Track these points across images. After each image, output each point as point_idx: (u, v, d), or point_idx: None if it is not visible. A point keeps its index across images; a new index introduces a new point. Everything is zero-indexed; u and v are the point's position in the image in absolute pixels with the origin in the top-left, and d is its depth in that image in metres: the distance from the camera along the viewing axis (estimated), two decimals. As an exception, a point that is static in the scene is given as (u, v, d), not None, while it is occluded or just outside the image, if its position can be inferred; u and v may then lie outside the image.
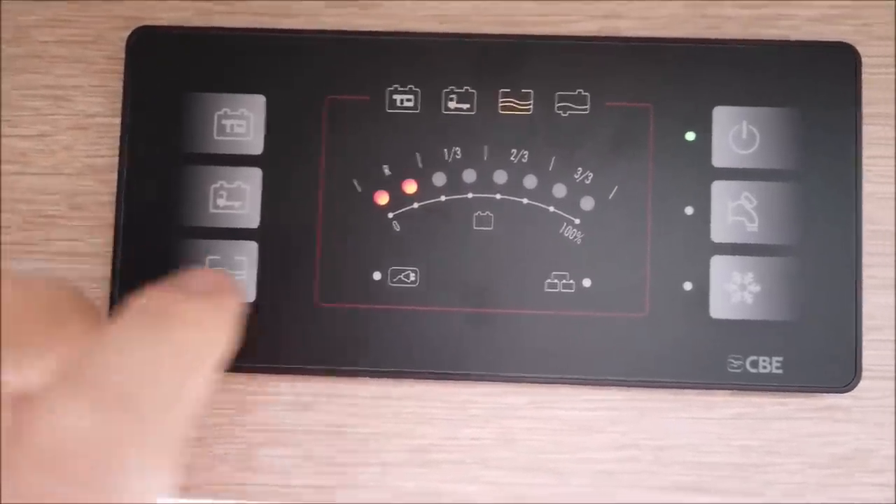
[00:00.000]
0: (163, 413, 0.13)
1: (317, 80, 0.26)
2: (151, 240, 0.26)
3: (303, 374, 0.26)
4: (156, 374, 0.14)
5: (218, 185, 0.26)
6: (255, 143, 0.26)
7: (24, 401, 0.13)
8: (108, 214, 0.27)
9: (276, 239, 0.26)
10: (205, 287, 0.17)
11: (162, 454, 0.13)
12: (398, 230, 0.26)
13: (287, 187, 0.26)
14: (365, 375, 0.26)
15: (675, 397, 0.26)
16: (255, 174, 0.26)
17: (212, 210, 0.26)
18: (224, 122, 0.26)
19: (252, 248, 0.26)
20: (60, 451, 0.12)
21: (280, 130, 0.26)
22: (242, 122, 0.26)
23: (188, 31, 0.26)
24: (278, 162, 0.26)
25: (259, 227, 0.26)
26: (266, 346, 0.25)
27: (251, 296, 0.25)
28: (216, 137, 0.26)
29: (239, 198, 0.26)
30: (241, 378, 0.26)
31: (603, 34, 0.27)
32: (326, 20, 0.27)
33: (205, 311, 0.16)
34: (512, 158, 0.26)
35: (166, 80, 0.26)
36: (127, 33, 0.26)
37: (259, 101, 0.26)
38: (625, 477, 0.26)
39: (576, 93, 0.26)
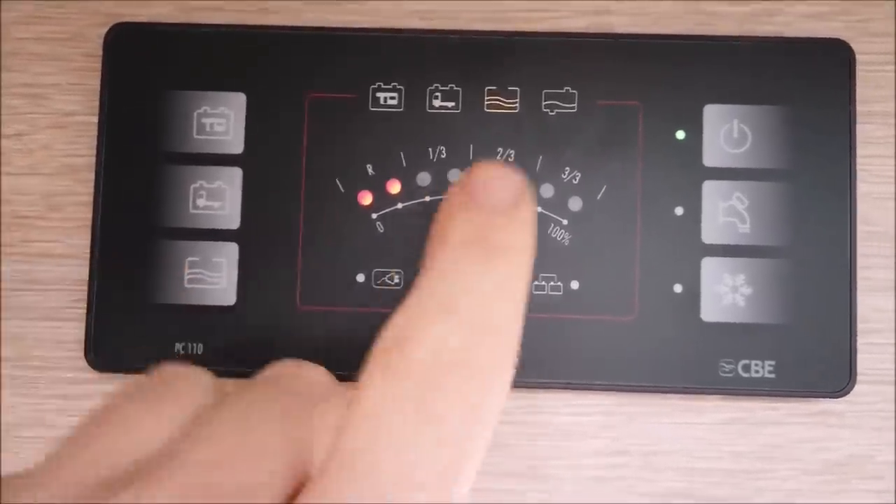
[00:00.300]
0: (514, 326, 0.16)
1: (298, 78, 0.25)
2: (130, 241, 0.25)
3: (284, 378, 0.25)
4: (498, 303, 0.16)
5: (197, 184, 0.25)
6: (235, 142, 0.25)
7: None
8: (87, 215, 0.26)
9: (256, 240, 0.25)
10: (512, 197, 0.18)
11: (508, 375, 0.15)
12: (382, 231, 0.25)
13: (268, 187, 0.25)
14: (347, 380, 0.25)
15: (665, 402, 0.26)
16: (236, 174, 0.25)
17: (191, 210, 0.25)
18: (204, 120, 0.25)
19: (232, 249, 0.25)
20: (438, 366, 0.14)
21: (261, 129, 0.25)
22: (222, 120, 0.25)
23: (167, 27, 0.26)
24: (259, 161, 0.25)
25: (239, 227, 0.25)
26: (246, 350, 0.25)
27: (230, 298, 0.25)
28: (196, 136, 0.25)
29: (219, 198, 0.25)
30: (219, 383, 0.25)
31: (592, 31, 0.26)
32: (309, 16, 0.26)
33: (526, 232, 0.17)
34: (498, 158, 0.25)
35: (145, 77, 0.25)
36: (105, 30, 0.26)
37: (239, 99, 0.25)
38: (615, 483, 0.26)
39: (563, 91, 0.25)
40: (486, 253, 0.16)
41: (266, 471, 0.14)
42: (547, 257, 0.25)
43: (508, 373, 0.15)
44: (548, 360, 0.25)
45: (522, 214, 0.17)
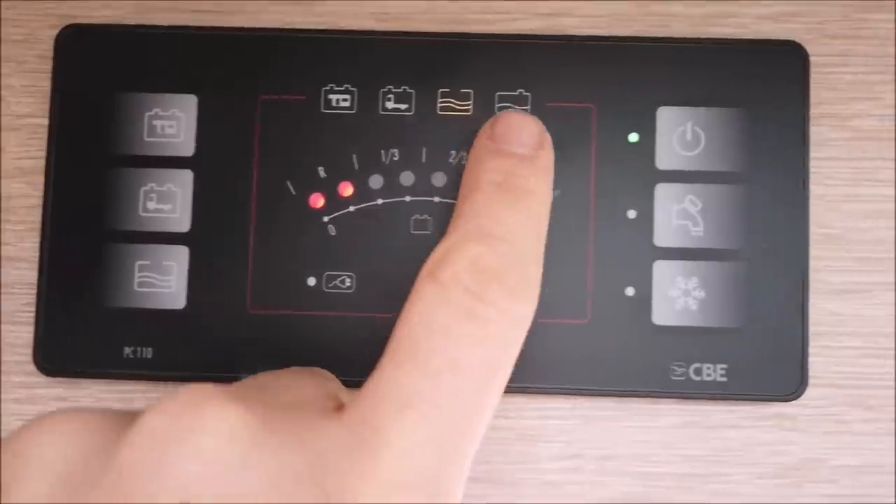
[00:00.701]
0: (538, 254, 0.19)
1: (250, 80, 0.25)
2: (80, 244, 0.25)
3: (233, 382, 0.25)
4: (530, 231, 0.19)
5: (148, 187, 0.25)
6: (186, 144, 0.25)
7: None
8: (39, 218, 0.26)
9: (207, 243, 0.25)
10: (534, 144, 0.21)
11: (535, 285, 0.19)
12: (334, 234, 0.25)
13: (219, 190, 0.25)
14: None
15: (620, 405, 0.26)
16: (187, 176, 0.25)
17: (141, 213, 0.25)
18: (155, 122, 0.25)
19: (183, 252, 0.25)
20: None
21: (212, 131, 0.25)
22: (173, 122, 0.25)
23: (118, 29, 0.25)
24: (210, 164, 0.25)
25: (190, 230, 0.25)
26: (196, 353, 0.25)
27: (181, 302, 0.25)
28: (146, 139, 0.25)
29: (169, 201, 0.25)
30: (169, 387, 0.25)
31: (545, 33, 0.26)
32: (263, 18, 0.26)
33: (545, 178, 0.21)
34: (451, 160, 0.25)
35: (96, 79, 0.25)
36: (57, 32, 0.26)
37: (191, 101, 0.25)
38: (569, 488, 0.26)
39: (517, 93, 0.25)
40: (513, 195, 0.19)
41: (314, 396, 0.18)
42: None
43: (535, 291, 0.18)
44: (501, 364, 0.25)
45: (542, 162, 0.21)
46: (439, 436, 0.16)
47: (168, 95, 0.25)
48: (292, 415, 0.17)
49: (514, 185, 0.20)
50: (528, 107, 0.25)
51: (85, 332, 0.25)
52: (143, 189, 0.25)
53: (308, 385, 0.19)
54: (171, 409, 0.15)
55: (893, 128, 0.26)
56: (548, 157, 0.21)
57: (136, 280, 0.25)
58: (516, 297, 0.18)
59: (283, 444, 0.15)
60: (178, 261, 0.25)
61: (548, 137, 0.21)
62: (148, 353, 0.25)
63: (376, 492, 0.15)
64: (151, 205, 0.25)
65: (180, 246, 0.25)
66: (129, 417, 0.16)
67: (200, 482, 0.14)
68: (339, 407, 0.17)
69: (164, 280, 0.25)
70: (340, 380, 0.25)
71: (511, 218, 0.19)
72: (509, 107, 0.25)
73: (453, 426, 0.16)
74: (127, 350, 0.25)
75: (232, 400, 0.16)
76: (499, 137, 0.21)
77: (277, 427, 0.16)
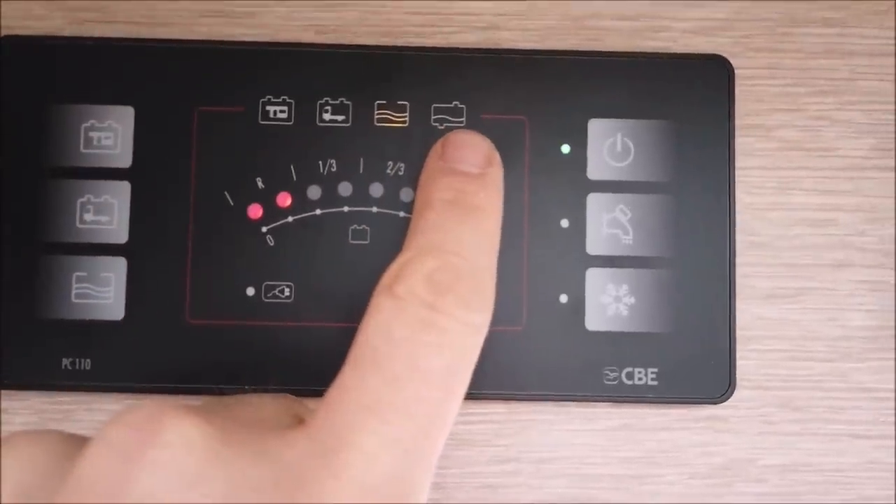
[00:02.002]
0: (490, 267, 0.21)
1: (187, 91, 0.25)
2: (16, 256, 0.25)
3: (174, 392, 0.25)
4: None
5: (85, 199, 0.25)
6: (123, 155, 0.25)
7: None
8: (-25, 229, 0.26)
9: (145, 254, 0.25)
10: (482, 162, 0.22)
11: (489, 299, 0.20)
12: (272, 244, 0.25)
13: (157, 201, 0.25)
14: (239, 394, 0.25)
15: (557, 409, 0.26)
16: (124, 188, 0.25)
17: (78, 225, 0.25)
18: (91, 134, 0.25)
19: (120, 263, 0.25)
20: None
21: (149, 143, 0.25)
22: (110, 134, 0.25)
23: (54, 40, 0.26)
24: (147, 175, 0.25)
25: (127, 242, 0.25)
26: (135, 365, 0.25)
27: (119, 313, 0.25)
28: (83, 150, 0.25)
29: (106, 212, 0.25)
30: (108, 398, 0.25)
31: (480, 46, 0.26)
32: (202, 30, 0.26)
33: (494, 194, 0.22)
34: (388, 171, 0.25)
35: (31, 90, 0.25)
36: (-7, 42, 0.26)
37: (127, 112, 0.25)
38: (506, 490, 0.26)
39: (452, 105, 0.26)
40: (464, 211, 0.20)
41: (275, 413, 0.19)
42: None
43: (489, 300, 0.20)
44: (439, 371, 0.25)
45: (491, 179, 0.21)
46: (404, 440, 0.17)
47: (104, 107, 0.25)
48: (253, 428, 0.17)
49: (464, 201, 0.20)
50: (463, 118, 0.26)
51: (23, 344, 0.25)
52: (80, 201, 0.25)
53: (270, 405, 0.20)
54: (130, 421, 0.15)
55: (817, 138, 0.27)
56: (497, 173, 0.22)
57: (74, 292, 0.25)
58: (471, 307, 0.18)
59: (243, 455, 0.16)
60: (115, 272, 0.25)
61: (496, 155, 0.22)
62: (87, 364, 0.25)
63: (344, 495, 0.16)
64: (88, 216, 0.25)
65: (118, 257, 0.25)
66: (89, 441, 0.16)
67: (158, 494, 0.15)
68: (302, 422, 0.18)
69: (102, 291, 0.25)
70: (281, 389, 0.25)
71: (463, 233, 0.20)
72: (445, 119, 0.26)
73: (417, 430, 0.17)
74: (65, 362, 0.25)
75: (190, 412, 0.16)
76: (449, 157, 0.22)
77: (236, 439, 0.16)
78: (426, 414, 0.17)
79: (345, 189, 0.25)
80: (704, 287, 0.25)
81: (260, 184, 0.25)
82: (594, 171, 0.26)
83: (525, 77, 0.26)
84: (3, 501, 0.15)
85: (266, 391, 0.24)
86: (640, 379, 0.25)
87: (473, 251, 0.19)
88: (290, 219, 0.25)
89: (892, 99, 0.27)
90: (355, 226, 0.25)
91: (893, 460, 0.26)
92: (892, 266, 0.27)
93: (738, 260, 0.26)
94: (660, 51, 0.27)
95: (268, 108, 0.25)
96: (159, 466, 0.15)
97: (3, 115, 0.25)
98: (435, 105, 0.26)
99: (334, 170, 0.25)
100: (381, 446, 0.16)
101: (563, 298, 0.25)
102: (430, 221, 0.20)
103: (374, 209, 0.25)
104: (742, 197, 0.26)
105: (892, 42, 0.27)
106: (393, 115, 0.26)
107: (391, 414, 0.17)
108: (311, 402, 0.25)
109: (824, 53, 0.27)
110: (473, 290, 0.19)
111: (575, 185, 0.25)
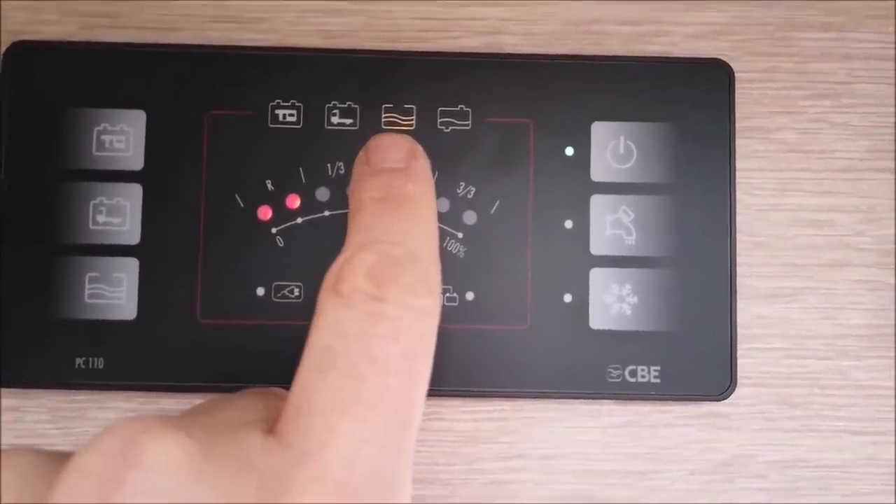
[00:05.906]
0: (430, 252, 0.20)
1: (198, 95, 0.26)
2: (30, 257, 0.25)
3: (185, 391, 0.25)
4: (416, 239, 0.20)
5: (97, 201, 0.26)
6: (135, 158, 0.26)
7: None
8: (-11, 231, 0.26)
9: (157, 255, 0.25)
10: (405, 156, 0.22)
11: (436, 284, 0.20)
12: (282, 245, 0.26)
13: (168, 203, 0.26)
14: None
15: (561, 407, 0.27)
16: (136, 190, 0.26)
17: (91, 227, 0.25)
18: (103, 137, 0.26)
19: (133, 264, 0.25)
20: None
21: (160, 146, 0.26)
22: (122, 137, 0.26)
23: (67, 45, 0.26)
24: (159, 177, 0.26)
25: (140, 243, 0.25)
26: (147, 364, 0.25)
27: (131, 313, 0.25)
28: (95, 153, 0.26)
29: (119, 214, 0.26)
30: (121, 396, 0.26)
31: (485, 51, 0.27)
32: (212, 35, 0.27)
33: (423, 183, 0.21)
34: (395, 173, 0.26)
35: (44, 95, 0.26)
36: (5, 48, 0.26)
37: (139, 116, 0.26)
38: (512, 486, 0.27)
39: (458, 108, 0.26)
40: (394, 203, 0.20)
41: (254, 411, 0.18)
42: (443, 269, 0.26)
43: (435, 285, 0.19)
44: (446, 369, 0.26)
45: (417, 170, 0.21)
46: (377, 434, 0.17)
47: (116, 111, 0.26)
48: (234, 433, 0.17)
49: (393, 194, 0.20)
50: (468, 122, 0.26)
51: (37, 343, 0.25)
52: (92, 203, 0.26)
53: (251, 404, 0.19)
54: (105, 448, 0.15)
55: (816, 140, 0.27)
56: (423, 165, 0.22)
57: (87, 292, 0.25)
58: (417, 292, 0.18)
59: (226, 466, 0.16)
60: (128, 273, 0.25)
61: (419, 148, 0.22)
62: (100, 363, 0.25)
63: (327, 499, 0.16)
64: (101, 218, 0.26)
65: (130, 258, 0.25)
66: (66, 459, 0.15)
67: None
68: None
69: (115, 292, 0.25)
70: (287, 388, 0.25)
71: (396, 224, 0.20)
72: (451, 122, 0.26)
73: (388, 422, 0.17)
74: (79, 361, 0.25)
75: (169, 427, 0.15)
76: (373, 160, 0.22)
77: (218, 450, 0.16)
78: (394, 404, 0.17)
79: (353, 191, 0.26)
80: (705, 286, 0.26)
81: (269, 186, 0.26)
82: (597, 173, 0.26)
83: (529, 81, 0.26)
84: None
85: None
86: (643, 377, 0.26)
87: (410, 239, 0.19)
88: (299, 220, 0.26)
89: (889, 101, 0.27)
90: (363, 227, 0.26)
91: (892, 456, 0.27)
92: (890, 266, 0.27)
93: (739, 260, 0.27)
94: (661, 55, 0.27)
95: (277, 111, 0.26)
96: (140, 492, 0.14)
97: (16, 120, 0.26)
98: (441, 108, 0.26)
99: (342, 172, 0.26)
100: (356, 444, 0.16)
101: (568, 298, 0.26)
102: (364, 220, 0.20)
103: (382, 211, 0.26)
104: (742, 198, 0.27)
105: (889, 46, 0.28)
106: (400, 119, 0.26)
107: (360, 410, 0.17)
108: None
109: (822, 57, 0.28)
110: (416, 275, 0.19)
111: (579, 186, 0.26)
